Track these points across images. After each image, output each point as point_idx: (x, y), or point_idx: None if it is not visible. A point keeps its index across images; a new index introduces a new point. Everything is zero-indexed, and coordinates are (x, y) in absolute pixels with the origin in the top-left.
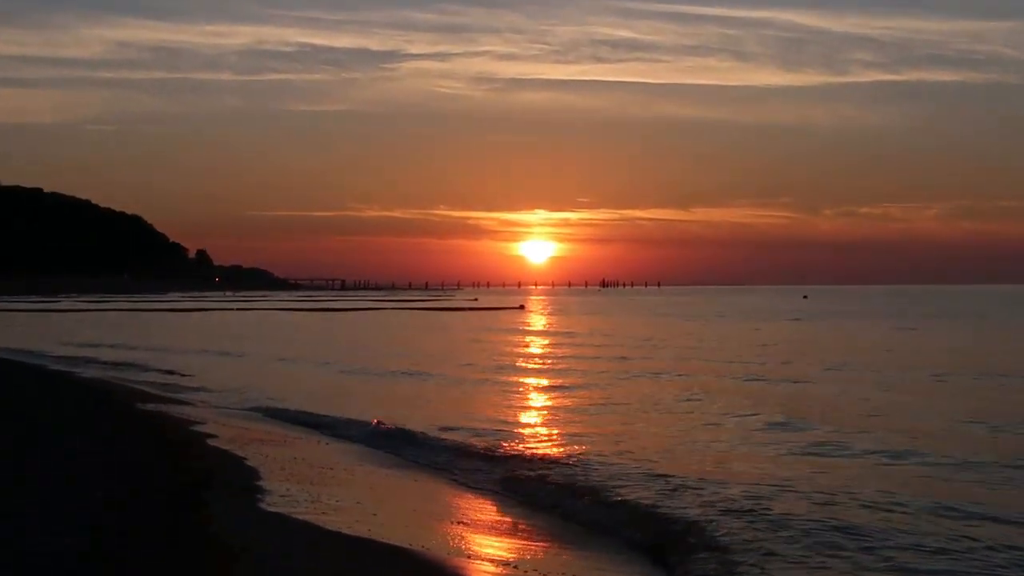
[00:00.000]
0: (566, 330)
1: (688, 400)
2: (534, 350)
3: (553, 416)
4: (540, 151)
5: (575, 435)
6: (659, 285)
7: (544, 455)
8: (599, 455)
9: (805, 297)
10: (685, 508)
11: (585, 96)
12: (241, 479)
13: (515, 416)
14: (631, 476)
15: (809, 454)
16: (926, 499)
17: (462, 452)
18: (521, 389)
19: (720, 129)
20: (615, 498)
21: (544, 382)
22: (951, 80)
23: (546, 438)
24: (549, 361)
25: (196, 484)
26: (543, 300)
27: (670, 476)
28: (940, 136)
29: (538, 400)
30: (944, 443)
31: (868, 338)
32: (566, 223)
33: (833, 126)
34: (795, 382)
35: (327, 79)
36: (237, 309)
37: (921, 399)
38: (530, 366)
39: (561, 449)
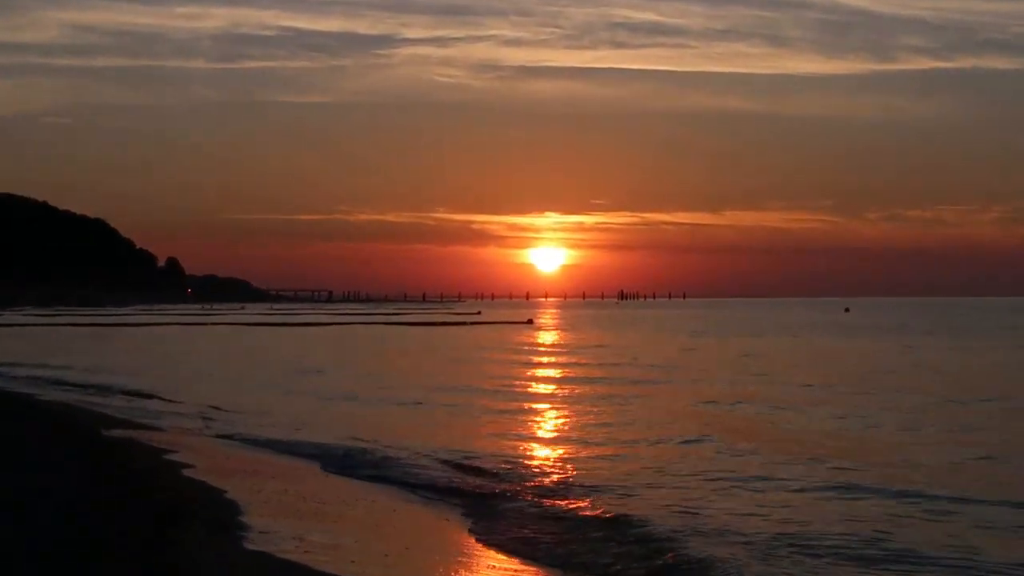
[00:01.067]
0: (580, 347)
1: (649, 427)
2: (542, 372)
3: (565, 445)
4: (551, 147)
5: (589, 467)
6: (684, 297)
7: (551, 489)
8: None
9: (847, 310)
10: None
11: (602, 86)
12: (220, 514)
13: (518, 446)
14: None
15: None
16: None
17: (462, 486)
18: (525, 415)
19: (753, 123)
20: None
21: (548, 407)
22: (1012, 67)
23: (557, 471)
24: (557, 385)
25: (168, 520)
26: (554, 314)
27: (696, 517)
28: (1000, 130)
29: (544, 427)
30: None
31: (884, 356)
32: (580, 227)
33: (880, 119)
34: (778, 407)
35: (312, 67)
36: (211, 324)
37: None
38: (537, 390)
39: (576, 486)
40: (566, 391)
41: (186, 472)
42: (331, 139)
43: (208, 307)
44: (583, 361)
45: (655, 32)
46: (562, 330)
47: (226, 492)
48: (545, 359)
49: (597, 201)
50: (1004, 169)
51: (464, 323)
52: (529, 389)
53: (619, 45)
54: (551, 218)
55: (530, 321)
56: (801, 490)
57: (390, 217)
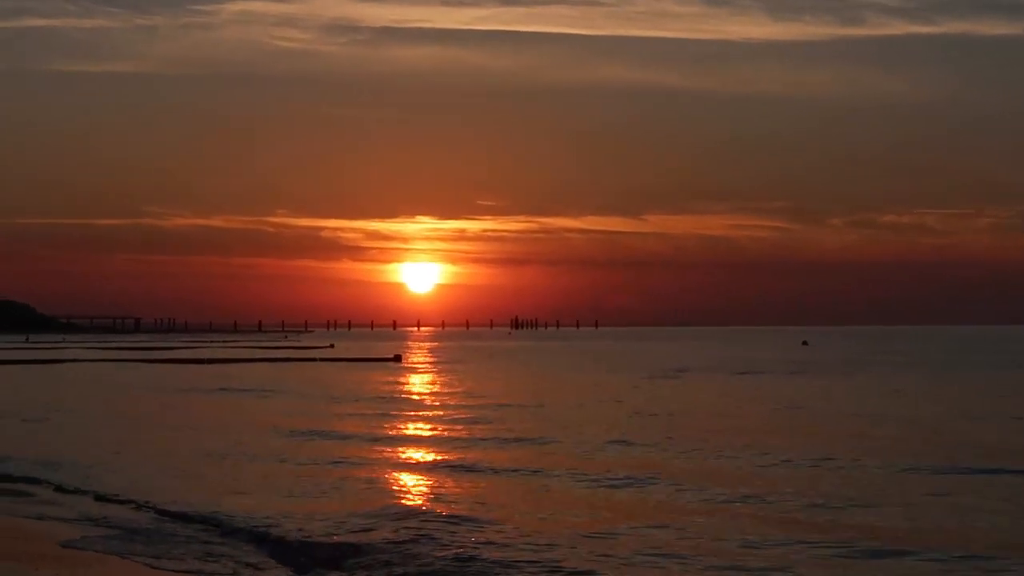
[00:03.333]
0: (460, 393)
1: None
2: (399, 430)
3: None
4: (425, 132)
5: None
6: (596, 326)
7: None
8: None
9: (805, 343)
10: None
11: (490, 54)
12: None
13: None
14: None
15: None
16: None
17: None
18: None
19: (685, 102)
20: None
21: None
22: (1012, 33)
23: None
24: (414, 447)
25: None
26: (429, 348)
27: None
28: (996, 113)
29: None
30: None
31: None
32: (462, 236)
33: (844, 98)
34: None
35: (113, 27)
36: None
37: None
38: (382, 453)
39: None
40: (418, 457)
41: None
42: (137, 120)
43: None
44: (460, 416)
45: None
46: (437, 371)
47: None
48: (410, 411)
49: (484, 203)
50: (1001, 162)
51: (312, 359)
52: (367, 452)
53: (512, 2)
54: (424, 224)
55: (397, 358)
56: None
57: (215, 222)
